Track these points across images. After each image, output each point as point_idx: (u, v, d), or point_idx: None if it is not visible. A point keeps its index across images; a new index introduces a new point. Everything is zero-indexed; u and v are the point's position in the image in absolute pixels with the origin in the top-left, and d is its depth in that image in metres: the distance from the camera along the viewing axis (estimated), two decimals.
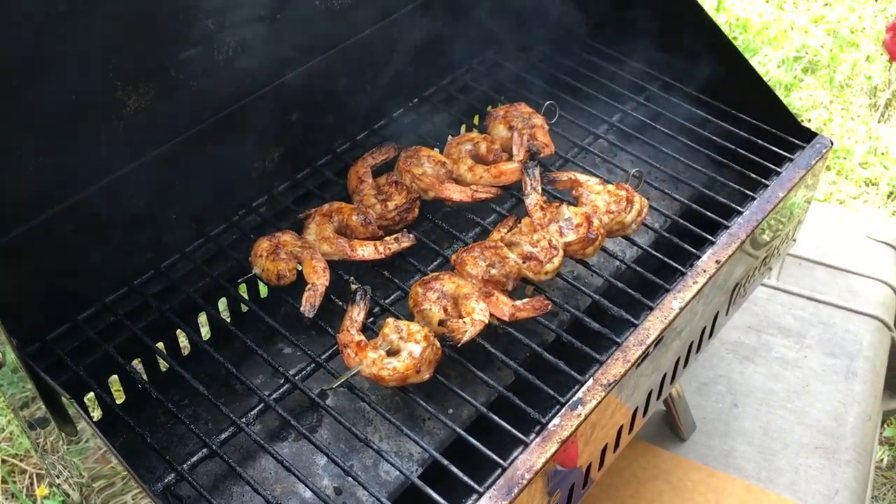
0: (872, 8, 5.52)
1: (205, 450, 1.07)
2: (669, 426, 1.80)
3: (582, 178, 1.39)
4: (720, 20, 5.44)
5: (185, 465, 1.05)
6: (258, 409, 1.13)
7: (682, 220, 1.41)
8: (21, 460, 3.29)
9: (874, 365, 1.93)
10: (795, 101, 4.85)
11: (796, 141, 1.50)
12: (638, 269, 1.33)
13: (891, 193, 4.19)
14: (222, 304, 1.37)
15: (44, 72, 1.03)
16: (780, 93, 4.78)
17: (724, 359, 1.94)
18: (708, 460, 1.75)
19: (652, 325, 1.19)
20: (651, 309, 1.22)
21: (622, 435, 1.28)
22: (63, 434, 0.99)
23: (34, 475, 3.29)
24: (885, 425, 3.10)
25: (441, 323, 1.15)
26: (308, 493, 1.09)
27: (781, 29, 5.45)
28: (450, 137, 1.57)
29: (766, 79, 5.21)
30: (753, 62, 4.98)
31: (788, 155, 1.47)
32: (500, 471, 1.04)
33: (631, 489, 1.69)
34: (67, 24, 1.02)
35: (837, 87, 4.88)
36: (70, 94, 1.07)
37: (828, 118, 4.69)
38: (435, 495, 1.02)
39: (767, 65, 4.89)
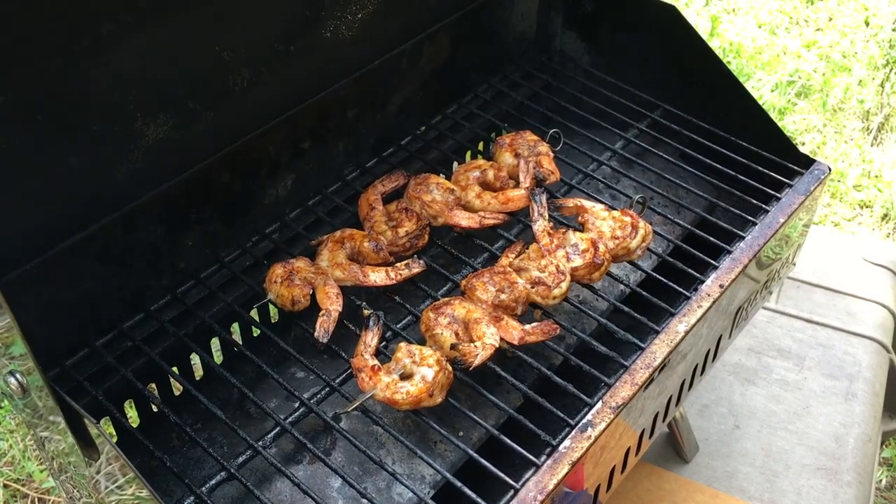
0: (864, 32, 5.60)
1: (223, 473, 1.09)
2: (673, 448, 1.82)
3: (587, 204, 1.43)
4: (714, 45, 5.51)
5: (203, 489, 1.07)
6: (274, 432, 1.15)
7: (684, 245, 1.44)
8: (23, 485, 3.29)
9: (873, 386, 1.96)
10: (789, 125, 4.91)
11: (794, 167, 1.53)
12: (643, 293, 1.36)
13: (885, 215, 4.24)
14: (234, 328, 1.40)
15: (67, 104, 1.06)
16: (774, 116, 4.83)
17: (726, 381, 1.97)
18: (711, 482, 1.77)
19: (658, 348, 1.22)
20: (657, 332, 1.25)
21: (629, 457, 1.31)
22: (85, 458, 1.01)
23: (36, 499, 3.29)
24: (884, 446, 3.13)
25: (453, 347, 1.18)
26: None
27: (774, 54, 5.52)
28: (455, 164, 1.61)
29: (760, 103, 5.28)
30: (748, 86, 5.04)
31: (787, 181, 1.51)
32: (512, 492, 1.06)
33: None
34: (91, 58, 1.06)
35: (830, 110, 4.95)
36: (91, 125, 1.10)
37: (822, 141, 4.75)
38: None
39: (761, 89, 4.96)
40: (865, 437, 1.85)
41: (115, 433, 1.22)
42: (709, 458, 1.82)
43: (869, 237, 2.95)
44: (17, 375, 0.99)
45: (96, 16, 1.03)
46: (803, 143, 4.78)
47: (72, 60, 1.03)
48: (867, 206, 4.33)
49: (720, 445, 1.84)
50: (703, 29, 5.67)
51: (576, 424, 1.13)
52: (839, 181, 4.49)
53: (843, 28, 5.73)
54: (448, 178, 1.50)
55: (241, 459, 1.12)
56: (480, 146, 1.74)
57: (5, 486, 3.27)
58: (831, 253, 2.25)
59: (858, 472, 1.78)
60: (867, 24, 5.71)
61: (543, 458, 1.10)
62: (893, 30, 4.83)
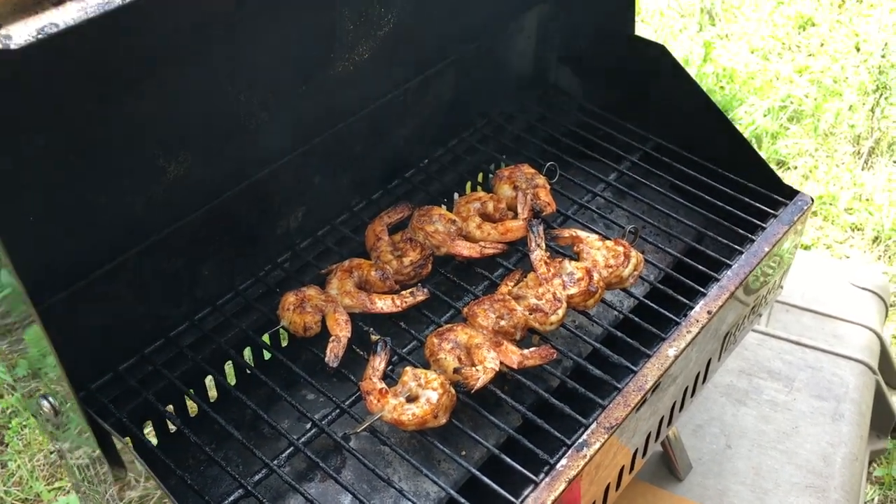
0: (855, 58, 5.70)
1: (240, 490, 1.16)
2: (667, 467, 1.88)
3: (582, 234, 1.51)
4: (707, 70, 5.59)
5: None
6: (288, 451, 1.22)
7: (675, 273, 1.52)
8: None
9: (860, 407, 2.02)
10: (782, 149, 4.99)
11: (779, 198, 1.61)
12: (635, 318, 1.43)
13: (876, 238, 4.32)
14: (247, 353, 1.47)
15: (96, 145, 1.14)
16: (766, 141, 4.92)
17: (717, 402, 2.03)
18: (704, 500, 1.84)
19: (650, 371, 1.29)
20: (649, 357, 1.32)
21: (623, 475, 1.38)
22: (113, 475, 1.08)
23: None
24: (875, 465, 3.19)
25: (456, 371, 1.25)
26: None
27: (767, 79, 5.61)
28: (456, 196, 1.68)
29: (752, 127, 5.35)
30: (741, 111, 5.14)
31: (772, 211, 1.58)
32: None
33: None
34: (117, 101, 1.14)
35: (822, 135, 5.03)
36: (118, 163, 1.18)
37: (814, 165, 4.83)
38: None
39: (754, 114, 5.04)
40: (852, 457, 1.91)
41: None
42: (702, 476, 1.88)
43: (856, 262, 3.03)
44: (50, 399, 1.06)
45: (122, 60, 1.11)
46: (795, 168, 4.86)
47: (100, 104, 1.11)
48: (858, 229, 4.40)
49: (712, 464, 1.91)
50: (696, 54, 5.76)
51: (572, 444, 1.20)
52: (831, 204, 4.56)
53: (835, 53, 5.83)
54: (450, 209, 1.58)
55: (256, 478, 1.18)
56: (480, 178, 1.82)
57: None
58: (820, 278, 2.32)
59: (846, 490, 1.85)
60: (858, 49, 5.81)
61: (542, 475, 1.17)
62: (883, 56, 4.93)
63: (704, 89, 5.22)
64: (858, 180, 4.73)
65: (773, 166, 4.97)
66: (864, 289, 2.28)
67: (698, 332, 1.35)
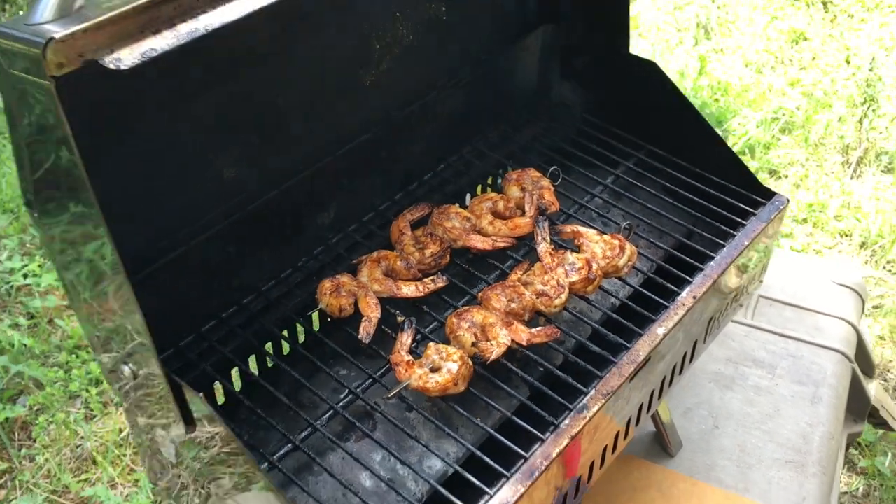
0: (845, 71, 5.89)
1: (289, 446, 1.35)
2: (660, 445, 2.06)
3: (582, 229, 1.70)
4: (702, 83, 5.78)
5: (274, 457, 1.32)
6: (328, 415, 1.41)
7: (666, 265, 1.71)
8: (60, 495, 3.52)
9: (837, 391, 2.21)
10: (774, 159, 5.17)
11: (758, 198, 1.80)
12: (630, 303, 1.62)
13: (863, 244, 4.50)
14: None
15: (162, 148, 1.33)
16: (759, 151, 5.12)
17: (706, 387, 2.22)
18: (692, 473, 2.02)
19: (641, 347, 1.48)
20: (641, 335, 1.51)
21: (619, 440, 1.56)
22: (186, 430, 1.26)
23: None
24: (861, 456, 3.37)
25: (473, 345, 1.44)
26: (369, 482, 1.37)
27: (760, 91, 5.79)
28: (469, 197, 1.88)
29: (745, 138, 5.53)
30: (734, 123, 5.33)
31: (752, 210, 1.77)
32: (522, 461, 1.32)
33: (627, 496, 1.95)
34: (180, 110, 1.33)
35: (812, 145, 5.21)
36: (181, 166, 1.38)
37: (804, 174, 5.01)
38: (473, 479, 1.30)
39: (747, 125, 5.22)
40: (829, 435, 2.10)
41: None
42: (691, 453, 2.06)
43: (836, 261, 3.21)
44: (131, 364, 1.25)
45: (184, 72, 1.30)
46: (787, 176, 5.04)
47: (168, 111, 1.31)
48: (847, 235, 4.59)
49: (701, 443, 2.09)
50: (692, 68, 5.95)
51: (574, 408, 1.39)
52: (821, 212, 4.75)
53: (826, 67, 6.02)
54: (464, 207, 1.77)
55: (302, 436, 1.37)
56: (490, 181, 2.01)
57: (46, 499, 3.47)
58: (802, 275, 2.51)
59: (822, 465, 2.03)
60: (848, 62, 6.00)
61: (548, 434, 1.35)
62: (870, 69, 5.11)
63: (700, 102, 5.48)
64: (847, 189, 4.92)
65: (765, 175, 5.20)
66: (842, 285, 2.46)
67: (684, 315, 1.54)
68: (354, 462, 1.35)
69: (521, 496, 1.26)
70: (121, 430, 3.79)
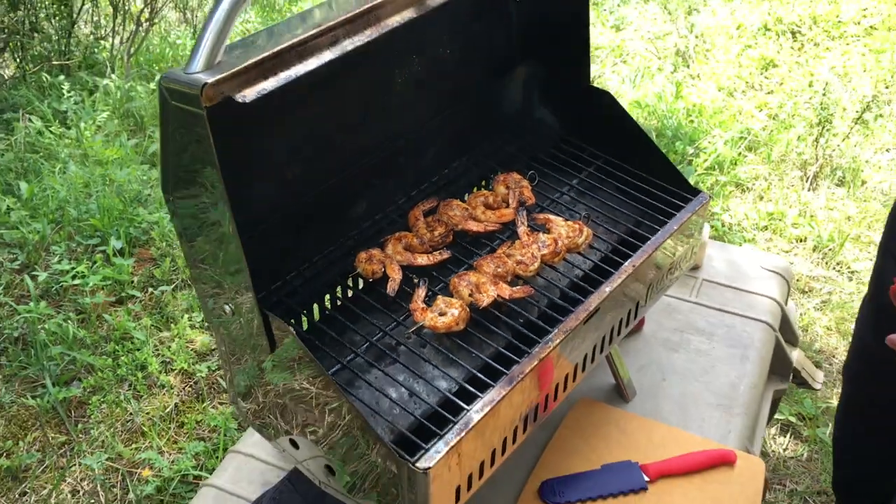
0: (808, 95, 6.46)
1: (338, 365, 1.88)
2: (618, 393, 2.57)
3: (552, 217, 2.24)
4: (678, 106, 6.34)
5: (329, 372, 1.86)
6: (365, 346, 1.94)
7: (617, 245, 2.26)
8: (113, 461, 4.02)
9: (761, 353, 2.73)
10: (741, 174, 5.73)
11: (688, 196, 2.35)
12: (590, 273, 2.17)
13: (815, 247, 5.05)
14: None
15: (247, 156, 1.88)
16: (727, 167, 5.67)
17: (657, 350, 2.75)
18: (644, 414, 2.53)
19: (592, 300, 2.00)
20: (593, 292, 2.05)
21: (578, 372, 2.10)
22: (270, 351, 1.79)
23: (126, 472, 4.00)
24: (805, 427, 3.90)
25: (469, 296, 1.98)
26: (395, 393, 1.90)
27: (731, 114, 6.36)
28: (466, 194, 2.43)
29: (714, 155, 6.12)
30: (705, 142, 5.89)
31: (682, 204, 2.33)
32: (505, 375, 1.85)
33: (591, 431, 2.46)
34: (267, 126, 1.88)
35: (775, 162, 5.78)
36: (268, 165, 1.93)
37: (766, 187, 5.57)
38: (470, 388, 1.83)
39: (716, 143, 5.79)
40: (752, 385, 2.62)
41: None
42: (643, 399, 2.58)
43: (767, 252, 3.76)
44: (231, 304, 1.79)
45: (279, 101, 1.84)
46: (751, 189, 5.60)
47: (265, 126, 1.86)
48: (802, 241, 5.14)
49: (651, 391, 2.61)
50: (669, 92, 6.53)
51: (543, 341, 1.93)
52: (780, 220, 5.30)
53: (791, 91, 6.60)
54: (464, 201, 2.32)
55: (347, 359, 1.91)
56: (483, 182, 2.56)
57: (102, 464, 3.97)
58: (739, 263, 3.06)
59: (745, 408, 2.56)
60: (811, 85, 6.58)
61: (524, 357, 1.89)
62: (823, 94, 5.69)
63: (675, 122, 6.16)
64: (804, 200, 5.48)
65: (732, 188, 5.76)
66: (771, 271, 3.02)
67: (626, 278, 2.08)
68: (385, 378, 1.88)
69: (503, 397, 1.79)
70: (165, 407, 4.30)
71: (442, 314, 1.95)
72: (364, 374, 1.89)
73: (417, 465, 1.63)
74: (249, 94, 1.51)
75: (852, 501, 2.41)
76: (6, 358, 4.47)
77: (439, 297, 1.99)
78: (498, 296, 1.99)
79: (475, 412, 1.73)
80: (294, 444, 1.91)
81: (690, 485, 2.29)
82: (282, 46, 1.53)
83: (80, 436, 4.09)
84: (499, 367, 1.76)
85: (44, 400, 4.21)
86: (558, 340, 1.89)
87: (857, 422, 2.68)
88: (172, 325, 4.64)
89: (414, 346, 1.89)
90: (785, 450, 3.91)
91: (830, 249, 4.98)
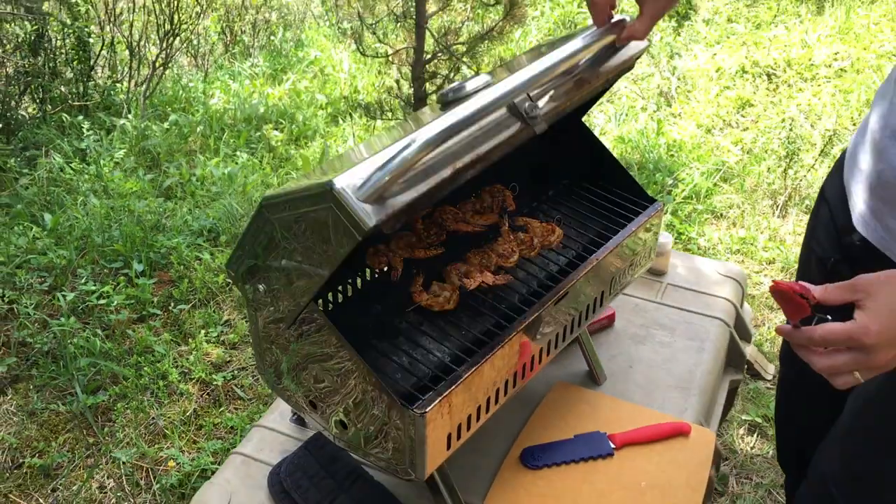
0: (778, 130, 6.93)
1: (353, 336, 2.29)
2: (591, 378, 2.98)
3: (530, 220, 2.67)
4: (660, 142, 6.79)
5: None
6: (373, 322, 2.35)
7: (587, 245, 2.67)
8: (139, 459, 4.37)
9: (716, 346, 3.13)
10: (716, 203, 6.16)
11: (645, 203, 2.78)
12: (563, 267, 2.58)
13: (783, 268, 5.46)
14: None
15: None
16: (702, 196, 6.11)
17: (626, 342, 3.15)
18: (613, 394, 2.92)
19: (563, 286, 2.43)
20: (562, 280, 2.46)
21: (551, 347, 2.49)
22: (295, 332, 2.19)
23: (149, 469, 4.35)
24: (759, 427, 4.26)
25: (459, 281, 2.39)
26: (397, 360, 2.30)
27: (708, 148, 6.82)
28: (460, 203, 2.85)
29: (691, 185, 6.58)
30: (683, 174, 6.33)
31: (641, 210, 2.75)
32: (488, 345, 2.25)
33: (566, 409, 2.86)
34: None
35: (747, 191, 6.22)
36: None
37: (739, 215, 6.00)
38: (463, 356, 2.23)
39: (693, 174, 6.24)
40: (707, 372, 3.01)
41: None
42: (613, 383, 2.97)
43: (725, 261, 4.17)
44: (263, 285, 2.19)
45: None
46: (726, 216, 6.02)
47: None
48: (771, 262, 5.55)
49: (619, 376, 3.00)
50: (651, 129, 7.00)
51: (522, 316, 2.33)
52: (752, 244, 5.72)
53: (764, 128, 7.08)
54: (455, 208, 2.74)
55: (360, 332, 2.31)
56: (473, 196, 2.98)
57: (127, 464, 4.34)
58: (700, 270, 3.48)
59: (700, 389, 2.94)
60: (783, 122, 7.06)
61: (506, 330, 2.29)
62: (790, 129, 6.15)
63: (657, 156, 6.73)
64: (773, 225, 5.92)
65: (708, 215, 6.20)
66: (727, 276, 3.43)
67: (589, 269, 2.49)
68: (392, 347, 2.29)
69: (487, 359, 2.18)
70: (185, 412, 4.67)
71: (436, 296, 2.35)
72: (373, 344, 2.29)
73: (415, 409, 2.02)
74: (387, 227, 1.71)
75: (801, 473, 2.78)
76: (37, 369, 4.85)
77: (434, 282, 2.40)
78: (482, 282, 2.40)
79: (463, 371, 2.12)
80: (313, 405, 2.30)
81: (651, 451, 2.67)
82: (428, 188, 1.75)
83: (107, 437, 4.45)
84: (488, 340, 2.16)
85: (73, 406, 4.59)
86: (531, 318, 2.29)
87: (793, 397, 3.06)
88: (190, 340, 5.03)
89: (414, 322, 2.29)
90: (752, 448, 4.28)
91: (796, 269, 5.38)
